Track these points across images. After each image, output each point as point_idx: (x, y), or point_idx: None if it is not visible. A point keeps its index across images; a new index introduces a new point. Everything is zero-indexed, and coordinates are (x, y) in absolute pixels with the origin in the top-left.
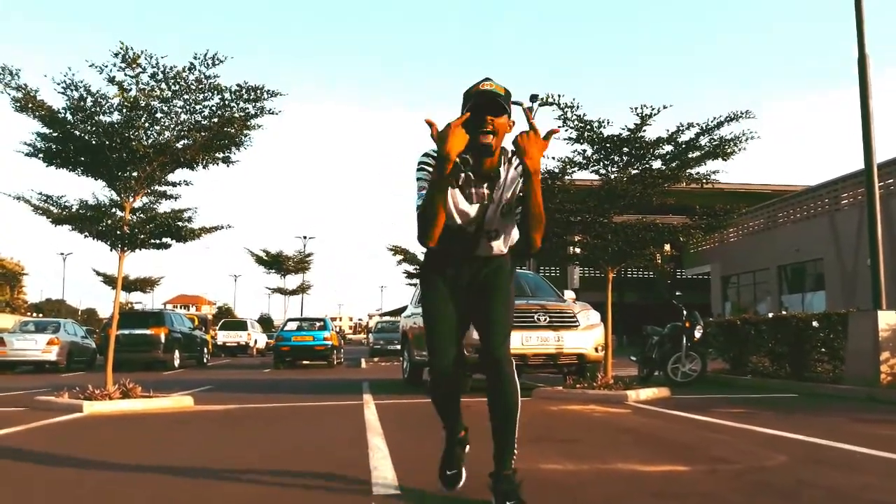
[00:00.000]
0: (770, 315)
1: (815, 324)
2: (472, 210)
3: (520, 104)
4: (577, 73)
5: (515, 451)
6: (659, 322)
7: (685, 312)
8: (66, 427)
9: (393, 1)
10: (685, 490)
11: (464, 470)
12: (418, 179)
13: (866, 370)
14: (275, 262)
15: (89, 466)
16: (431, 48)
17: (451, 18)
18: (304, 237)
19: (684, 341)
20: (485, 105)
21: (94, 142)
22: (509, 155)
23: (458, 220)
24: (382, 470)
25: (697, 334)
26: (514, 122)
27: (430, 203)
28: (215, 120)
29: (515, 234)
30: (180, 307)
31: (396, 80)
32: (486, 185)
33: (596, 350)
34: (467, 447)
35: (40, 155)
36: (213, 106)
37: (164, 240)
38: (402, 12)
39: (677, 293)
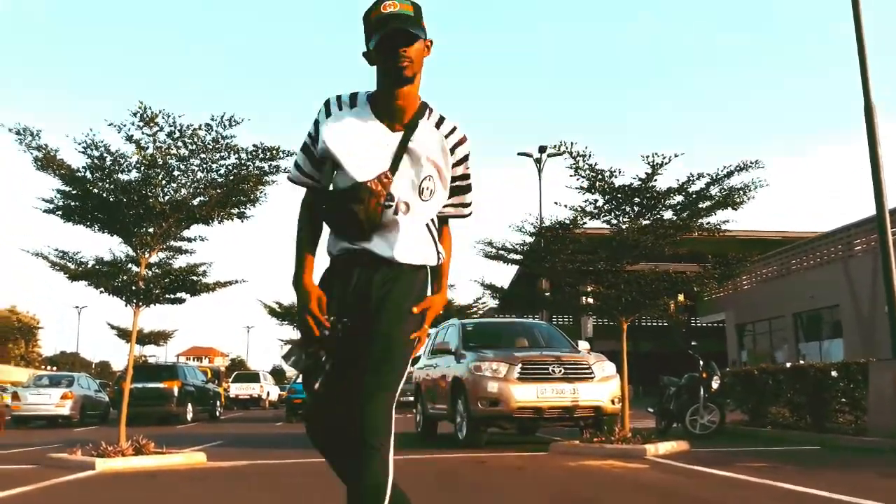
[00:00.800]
0: (788, 365)
1: (833, 374)
2: (377, 160)
3: (529, 155)
4: (588, 120)
5: None
6: (675, 371)
7: (702, 363)
8: (79, 486)
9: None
10: None
11: None
12: (307, 135)
13: (890, 422)
14: (288, 314)
15: None
16: (452, 101)
17: (463, 73)
18: None
19: (702, 392)
20: (394, 38)
21: (111, 199)
22: (433, 115)
23: (354, 176)
24: None
25: (715, 385)
26: (431, 42)
27: (296, 247)
28: (231, 178)
29: (428, 243)
30: (193, 359)
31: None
32: (397, 139)
33: (612, 402)
34: None
35: (59, 212)
36: (229, 165)
37: (179, 294)
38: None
39: (693, 343)
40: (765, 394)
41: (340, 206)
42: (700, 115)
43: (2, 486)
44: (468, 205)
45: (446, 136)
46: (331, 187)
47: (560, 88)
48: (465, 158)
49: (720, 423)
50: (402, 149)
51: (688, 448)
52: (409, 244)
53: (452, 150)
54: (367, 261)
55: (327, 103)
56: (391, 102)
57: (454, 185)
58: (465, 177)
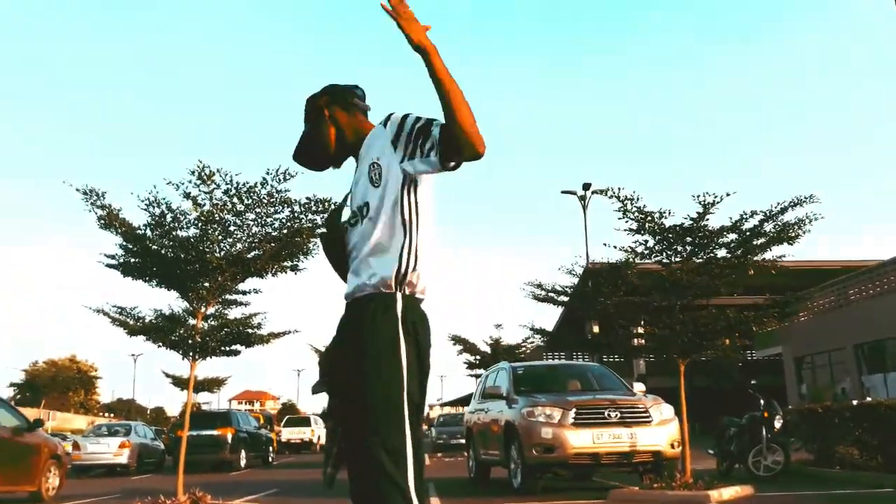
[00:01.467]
0: (855, 402)
1: None
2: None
3: (573, 193)
4: (634, 159)
5: None
6: (732, 408)
7: (762, 401)
8: None
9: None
10: None
11: None
12: None
13: None
14: None
15: None
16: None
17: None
18: None
19: (764, 432)
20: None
21: (170, 255)
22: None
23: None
24: None
25: (777, 424)
26: (326, 99)
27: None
28: (285, 231)
29: (395, 246)
30: (245, 403)
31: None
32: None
33: (672, 446)
34: None
35: (120, 268)
36: (283, 218)
37: (234, 346)
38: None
39: (753, 382)
40: (831, 432)
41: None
42: (749, 138)
43: None
44: (435, 128)
45: (383, 122)
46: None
47: (602, 123)
48: (405, 117)
49: (785, 463)
50: (355, 168)
51: (752, 492)
52: (367, 267)
53: (387, 122)
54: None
55: None
56: (345, 149)
57: (411, 136)
58: (415, 123)
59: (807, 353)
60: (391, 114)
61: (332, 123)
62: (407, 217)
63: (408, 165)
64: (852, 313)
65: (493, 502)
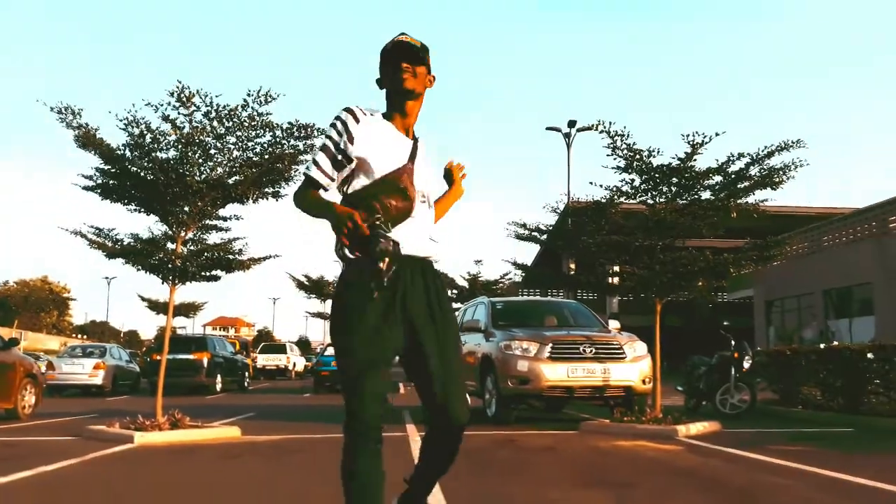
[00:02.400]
0: (822, 346)
1: (869, 355)
2: (398, 157)
3: (558, 130)
4: (628, 98)
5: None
6: (701, 347)
7: (733, 342)
8: (120, 459)
9: (441, 35)
10: None
11: None
12: (330, 131)
13: None
14: (315, 288)
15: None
16: (482, 73)
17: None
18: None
19: (732, 372)
20: (399, 54)
21: (149, 177)
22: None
23: (382, 171)
24: None
25: (746, 365)
26: (433, 77)
27: (313, 211)
28: (266, 156)
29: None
30: (220, 329)
31: (445, 103)
32: (410, 143)
33: (643, 382)
34: None
35: (98, 190)
36: (264, 143)
37: (214, 272)
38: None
39: (725, 323)
40: (797, 374)
41: (368, 203)
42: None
43: (46, 459)
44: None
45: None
46: (337, 194)
47: (589, 65)
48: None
49: (751, 403)
50: (415, 150)
51: (719, 428)
52: (434, 233)
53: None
54: (408, 260)
55: (351, 111)
56: (399, 118)
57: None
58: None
59: (777, 297)
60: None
61: (421, 85)
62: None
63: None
64: (824, 259)
65: (467, 430)
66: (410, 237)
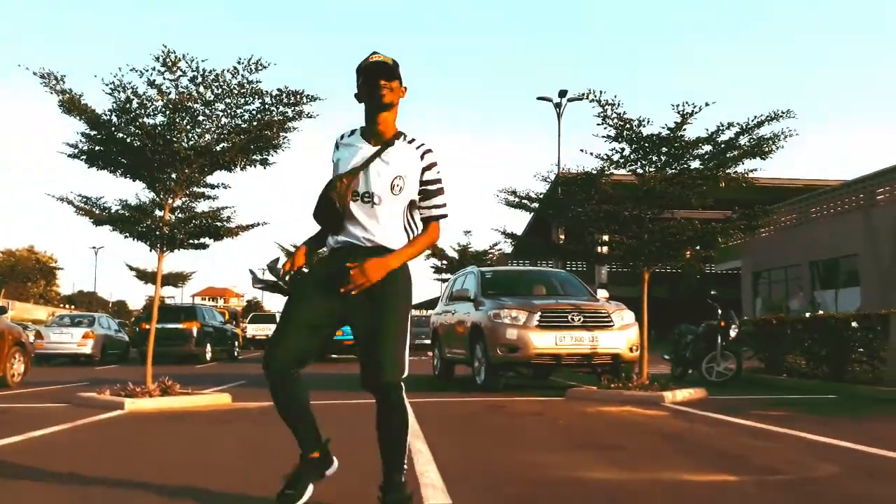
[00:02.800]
0: (807, 315)
1: (854, 324)
2: (352, 165)
3: (549, 100)
4: (622, 68)
5: (405, 466)
6: (688, 317)
7: (720, 311)
8: (110, 425)
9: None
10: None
11: (308, 491)
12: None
13: None
14: None
15: (142, 468)
16: (472, 45)
17: (496, 20)
18: None
19: (719, 340)
20: (376, 73)
21: (136, 144)
22: (408, 137)
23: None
24: (429, 476)
25: (733, 333)
26: (405, 88)
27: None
28: (255, 123)
29: (399, 230)
30: (209, 300)
31: (438, 76)
32: (376, 146)
33: (631, 350)
34: (327, 471)
35: (83, 157)
36: (253, 110)
37: (202, 240)
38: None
39: (712, 292)
40: (782, 343)
41: (326, 202)
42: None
43: (36, 425)
44: (442, 206)
45: (416, 149)
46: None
47: (581, 34)
48: (433, 165)
49: (737, 371)
50: (375, 156)
51: (705, 395)
52: (384, 232)
53: (422, 157)
54: (355, 251)
55: (336, 142)
56: (373, 127)
57: (425, 188)
58: (435, 181)
59: (764, 268)
60: (422, 144)
61: (396, 98)
62: (408, 226)
63: (422, 210)
64: (811, 231)
65: (457, 397)
66: (346, 231)
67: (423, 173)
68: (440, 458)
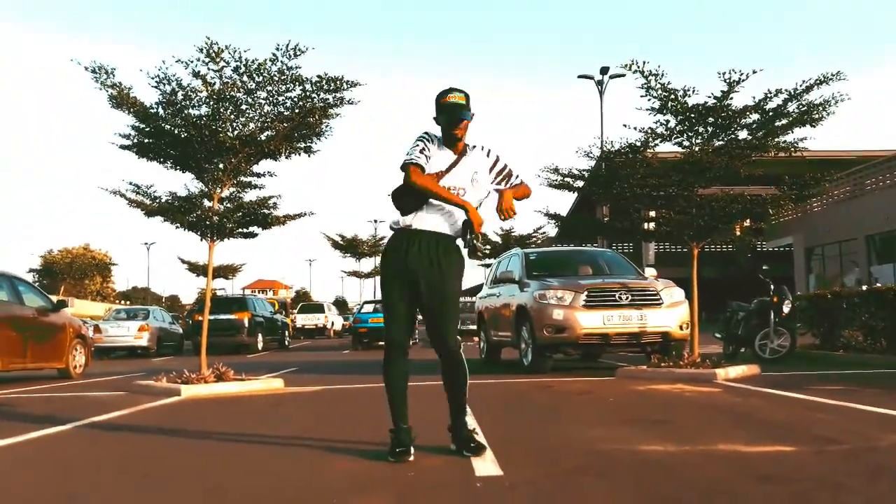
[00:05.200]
0: (864, 287)
1: None
2: (440, 166)
3: (590, 77)
4: (664, 39)
5: (468, 409)
6: (740, 297)
7: (772, 287)
8: (169, 410)
9: None
10: (796, 474)
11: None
12: (418, 140)
13: None
14: (350, 246)
15: (200, 447)
16: (506, 19)
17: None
18: (376, 221)
19: (772, 317)
20: (453, 119)
21: (183, 135)
22: (471, 146)
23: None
24: None
25: (786, 309)
26: (473, 115)
27: (430, 193)
28: (297, 111)
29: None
30: (258, 292)
31: (480, 55)
32: (453, 158)
33: (681, 328)
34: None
35: (134, 148)
36: (294, 97)
37: (251, 228)
38: None
39: (764, 267)
40: (838, 318)
41: (420, 196)
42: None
43: (98, 411)
44: (517, 178)
45: (486, 153)
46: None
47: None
48: (498, 159)
49: (791, 347)
50: (457, 161)
51: (758, 372)
52: (460, 221)
53: (488, 155)
54: (428, 235)
55: (429, 136)
56: (451, 144)
57: (501, 173)
58: (504, 167)
59: (818, 244)
60: (488, 149)
61: (466, 132)
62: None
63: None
64: (866, 204)
65: (504, 378)
66: (428, 218)
67: (495, 165)
68: (488, 432)
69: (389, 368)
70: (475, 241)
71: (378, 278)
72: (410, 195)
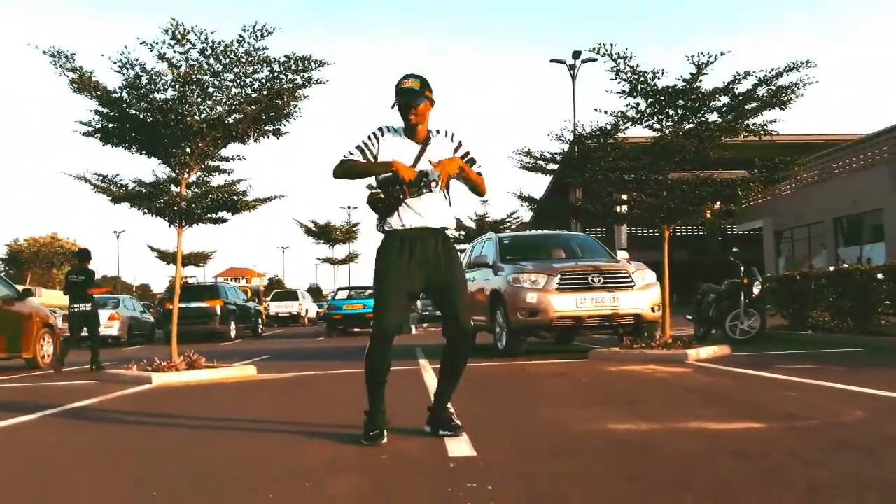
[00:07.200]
0: (831, 269)
1: (879, 276)
2: (405, 160)
3: (562, 62)
4: (632, 19)
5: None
6: (711, 280)
7: (742, 269)
8: (139, 398)
9: None
10: (766, 448)
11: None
12: (365, 139)
13: None
14: (323, 233)
15: (171, 434)
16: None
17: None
18: (349, 207)
19: (742, 298)
20: (406, 103)
21: (148, 119)
22: (435, 130)
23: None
24: None
25: (756, 291)
26: (433, 101)
27: (356, 173)
28: (265, 92)
29: (445, 205)
30: (231, 280)
31: (452, 35)
32: (418, 148)
33: (652, 310)
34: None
35: (98, 134)
36: (262, 78)
37: (220, 214)
38: None
39: (734, 249)
40: (806, 298)
41: (388, 190)
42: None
43: (68, 399)
44: (479, 167)
45: (450, 138)
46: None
47: None
48: (461, 144)
49: (761, 328)
50: (422, 152)
51: (729, 352)
52: (439, 211)
53: (452, 139)
54: (422, 232)
55: (382, 129)
56: (411, 133)
57: (464, 159)
58: (467, 154)
59: (787, 227)
60: (451, 133)
61: (424, 117)
62: (448, 198)
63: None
64: (833, 187)
65: (479, 363)
66: (411, 215)
67: (457, 151)
68: (462, 413)
69: (376, 356)
70: (399, 195)
71: (351, 265)
72: (381, 200)
